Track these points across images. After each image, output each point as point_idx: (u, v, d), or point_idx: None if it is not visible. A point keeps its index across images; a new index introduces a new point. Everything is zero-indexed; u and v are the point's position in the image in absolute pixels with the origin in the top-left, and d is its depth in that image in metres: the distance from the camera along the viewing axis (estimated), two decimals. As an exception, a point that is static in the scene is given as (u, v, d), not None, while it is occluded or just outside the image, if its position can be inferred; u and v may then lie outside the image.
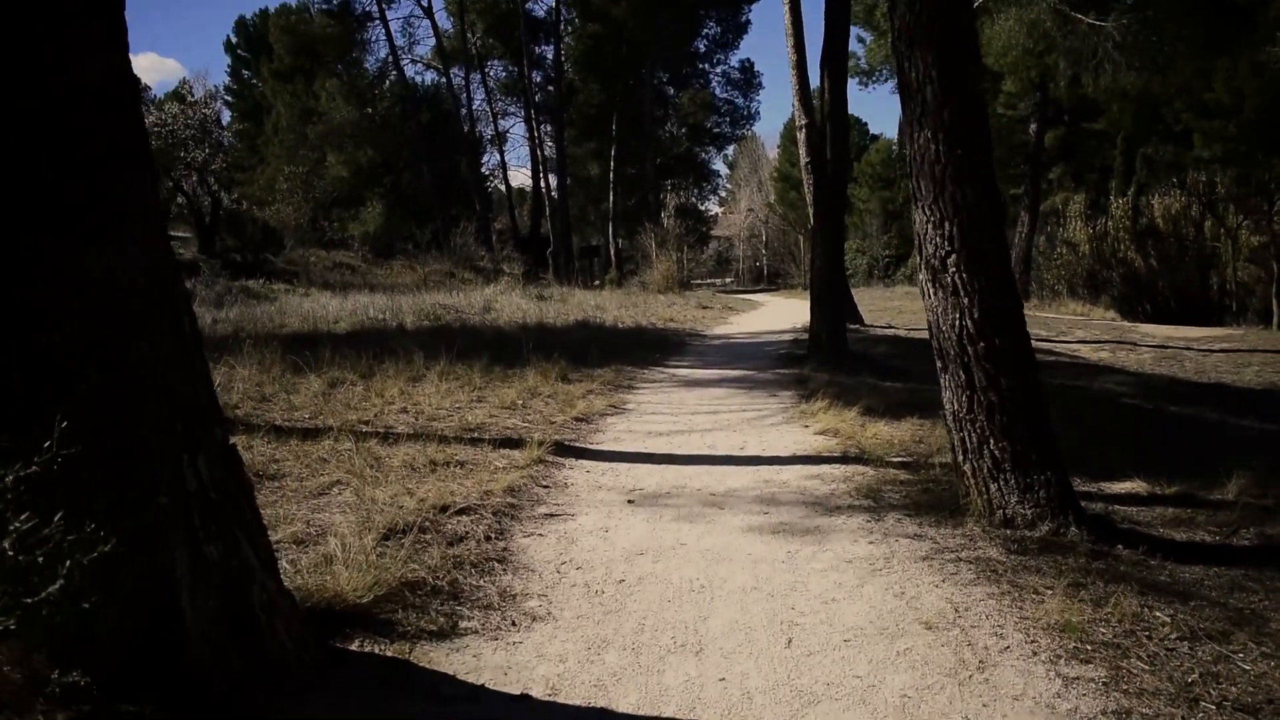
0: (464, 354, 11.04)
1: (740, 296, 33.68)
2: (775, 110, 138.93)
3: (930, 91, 4.75)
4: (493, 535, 4.66)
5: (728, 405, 8.98)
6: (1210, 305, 24.87)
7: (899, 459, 6.40)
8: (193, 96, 31.90)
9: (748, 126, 55.32)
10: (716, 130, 51.03)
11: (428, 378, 9.74)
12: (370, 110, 43.90)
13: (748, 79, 49.42)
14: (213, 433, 2.88)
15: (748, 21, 48.10)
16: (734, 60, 50.21)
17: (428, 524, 4.68)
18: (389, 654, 3.28)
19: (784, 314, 23.09)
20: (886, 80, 30.88)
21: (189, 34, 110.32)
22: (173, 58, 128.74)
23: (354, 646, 3.33)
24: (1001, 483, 4.81)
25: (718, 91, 49.64)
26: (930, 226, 4.85)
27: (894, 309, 22.70)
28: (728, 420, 8.15)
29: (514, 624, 3.61)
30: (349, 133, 43.01)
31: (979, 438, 4.84)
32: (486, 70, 47.27)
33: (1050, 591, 3.87)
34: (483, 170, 49.57)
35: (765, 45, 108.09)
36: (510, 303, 21.54)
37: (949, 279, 4.79)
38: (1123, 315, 23.98)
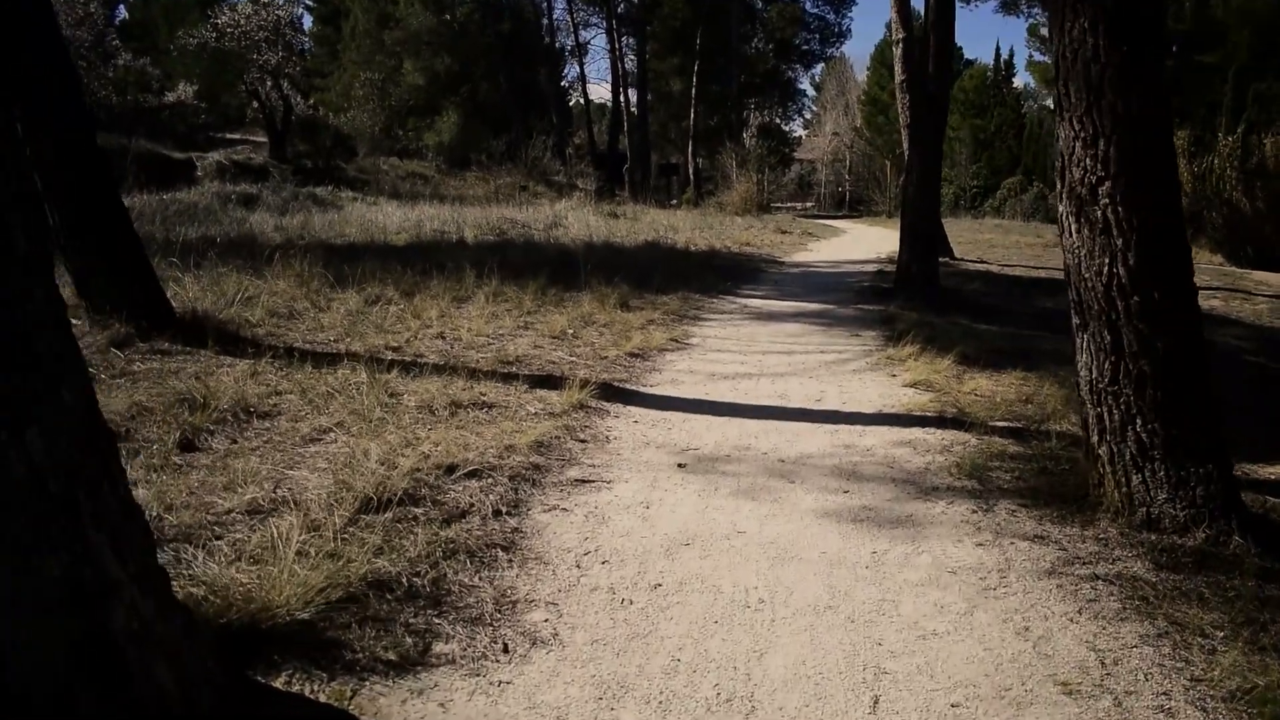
0: (519, 273, 10.21)
1: (821, 222, 32.13)
2: (866, 30, 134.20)
3: (1093, -36, 3.63)
4: (504, 509, 3.77)
5: (804, 344, 7.96)
6: (1321, 252, 23.09)
7: (1005, 424, 5.35)
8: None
9: (838, 44, 53.20)
10: (805, 47, 48.83)
11: (474, 299, 8.92)
12: (448, 16, 42.72)
13: (840, -8, 47.08)
14: (57, 396, 1.99)
15: (845, -69, 45.54)
16: (827, -29, 47.56)
17: (424, 491, 3.80)
18: (324, 696, 2.41)
19: (867, 242, 21.77)
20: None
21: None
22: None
23: (280, 681, 2.46)
24: (1148, 473, 3.78)
25: (808, 5, 47.42)
26: (1079, 145, 3.76)
27: (985, 243, 21.27)
28: (803, 363, 7.15)
29: (506, 650, 2.71)
30: (426, 39, 41.95)
31: (1123, 415, 3.80)
32: (569, -24, 45.61)
33: (1222, 635, 2.89)
34: (562, 83, 48.30)
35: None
36: (580, 219, 20.60)
37: (1099, 213, 3.72)
38: (1228, 260, 22.33)
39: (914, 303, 10.07)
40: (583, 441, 4.83)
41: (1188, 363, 3.74)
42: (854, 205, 49.16)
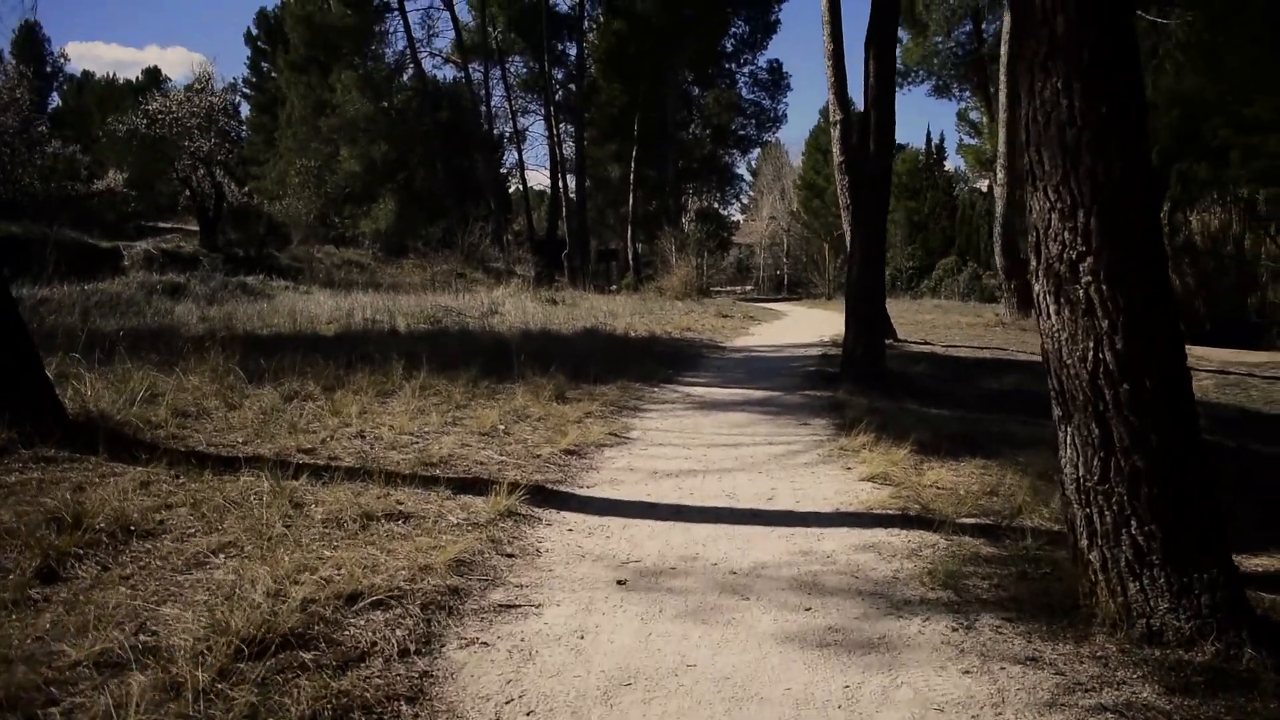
0: (451, 364, 9.71)
1: (761, 305, 32.08)
2: (801, 116, 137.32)
3: (1063, 20, 3.31)
4: (414, 646, 3.19)
5: (751, 435, 7.51)
6: (1248, 327, 23.41)
7: (973, 520, 4.92)
8: (199, 85, 30.50)
9: (774, 129, 53.95)
10: (741, 132, 49.54)
11: (401, 392, 8.37)
12: (386, 104, 42.79)
13: (775, 79, 47.91)
14: None
15: (777, 20, 46.36)
16: (762, 60, 48.65)
17: (318, 628, 3.22)
18: None
19: (809, 325, 21.61)
20: (923, 81, 29.44)
21: (217, 27, 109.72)
22: (201, 52, 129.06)
23: None
24: (1146, 581, 3.37)
25: (744, 93, 48.22)
26: (1055, 216, 3.40)
27: (927, 323, 21.21)
28: (751, 456, 6.69)
29: None
30: (363, 126, 41.87)
31: (1115, 517, 3.39)
32: (507, 66, 45.94)
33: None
34: (501, 170, 48.33)
35: (795, 45, 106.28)
36: (517, 306, 20.25)
37: (1080, 292, 3.35)
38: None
39: (861, 387, 9.71)
40: (510, 556, 4.28)
41: (1186, 456, 3.35)
42: (793, 288, 49.47)
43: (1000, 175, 21.74)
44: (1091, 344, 3.33)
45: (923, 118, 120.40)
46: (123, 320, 14.10)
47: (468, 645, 3.29)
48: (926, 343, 16.26)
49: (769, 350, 15.44)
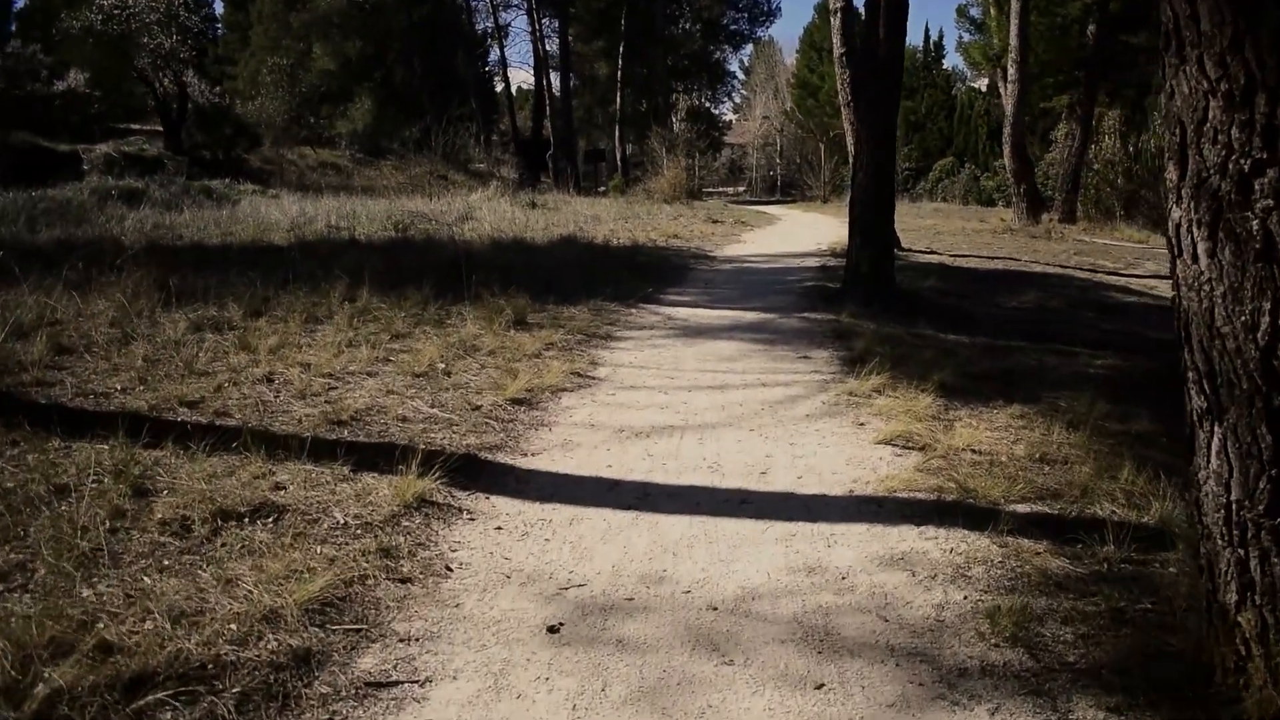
0: (405, 280, 8.53)
1: (754, 209, 30.56)
2: (795, 9, 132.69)
3: None
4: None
5: (741, 374, 6.28)
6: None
7: (1029, 508, 3.75)
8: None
9: (767, 24, 51.97)
10: (733, 27, 47.54)
11: (335, 318, 7.16)
12: (360, -3, 40.47)
13: (770, -32, 45.65)
14: None
15: (772, -97, 44.11)
16: (755, -52, 46.16)
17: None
18: None
19: (804, 231, 20.20)
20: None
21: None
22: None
23: None
24: (1331, 659, 2.21)
25: (737, -18, 45.96)
26: (1216, 104, 2.15)
27: (929, 229, 19.83)
28: (741, 404, 5.48)
29: None
30: (336, 21, 39.61)
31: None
32: (486, -46, 43.44)
33: None
34: (483, 68, 46.14)
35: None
36: (495, 211, 18.86)
37: (1255, 224, 2.12)
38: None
39: (868, 307, 8.51)
40: (404, 582, 3.07)
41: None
42: (786, 190, 47.93)
43: (1011, 70, 20.17)
44: (1269, 305, 2.12)
45: (920, 14, 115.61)
46: (67, 229, 12.84)
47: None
48: (932, 251, 14.97)
49: (762, 260, 14.11)
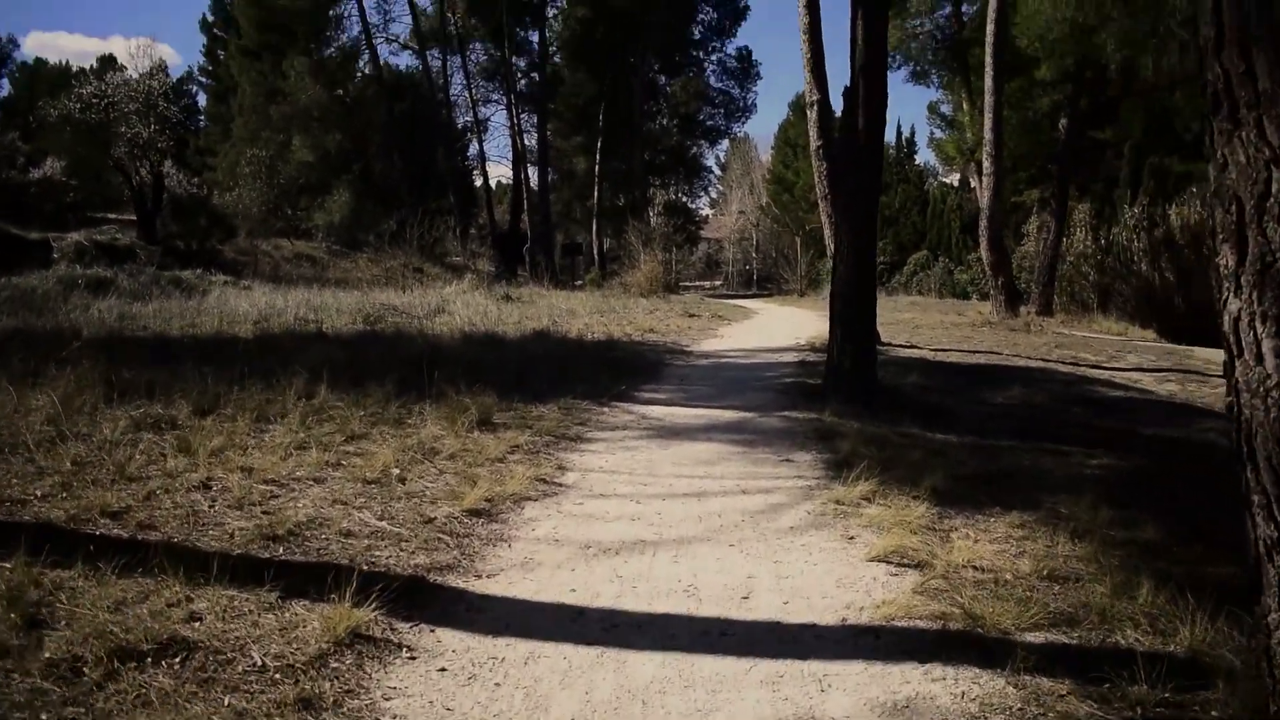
0: (367, 375, 8.13)
1: (730, 303, 30.43)
2: (769, 107, 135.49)
3: None
4: None
5: (720, 479, 5.86)
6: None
7: (1045, 639, 3.33)
8: (135, 69, 28.70)
9: (743, 119, 52.77)
10: (710, 123, 48.06)
11: (287, 417, 6.72)
12: (340, 92, 40.88)
13: (745, 68, 46.49)
14: None
15: (746, 7, 44.94)
16: (730, 48, 46.71)
17: None
18: None
19: (781, 325, 19.95)
20: (900, 66, 27.94)
21: (184, 16, 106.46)
22: (168, 43, 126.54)
23: None
24: None
25: (713, 81, 46.80)
26: (1281, 174, 1.82)
27: (908, 323, 19.61)
28: (720, 515, 5.05)
29: None
30: (316, 115, 39.84)
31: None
32: (467, 53, 43.83)
33: None
34: (462, 161, 46.44)
35: (765, 32, 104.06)
36: (469, 304, 18.57)
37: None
38: (1156, 333, 21.44)
39: (851, 405, 8.13)
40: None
41: None
42: (763, 284, 48.20)
43: (986, 163, 20.18)
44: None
45: (891, 111, 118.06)
46: (25, 319, 12.44)
47: None
48: (913, 345, 14.69)
49: (740, 355, 13.77)
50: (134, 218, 27.98)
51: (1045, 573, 4.05)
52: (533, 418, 7.40)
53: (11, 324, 11.79)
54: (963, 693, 2.93)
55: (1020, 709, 2.82)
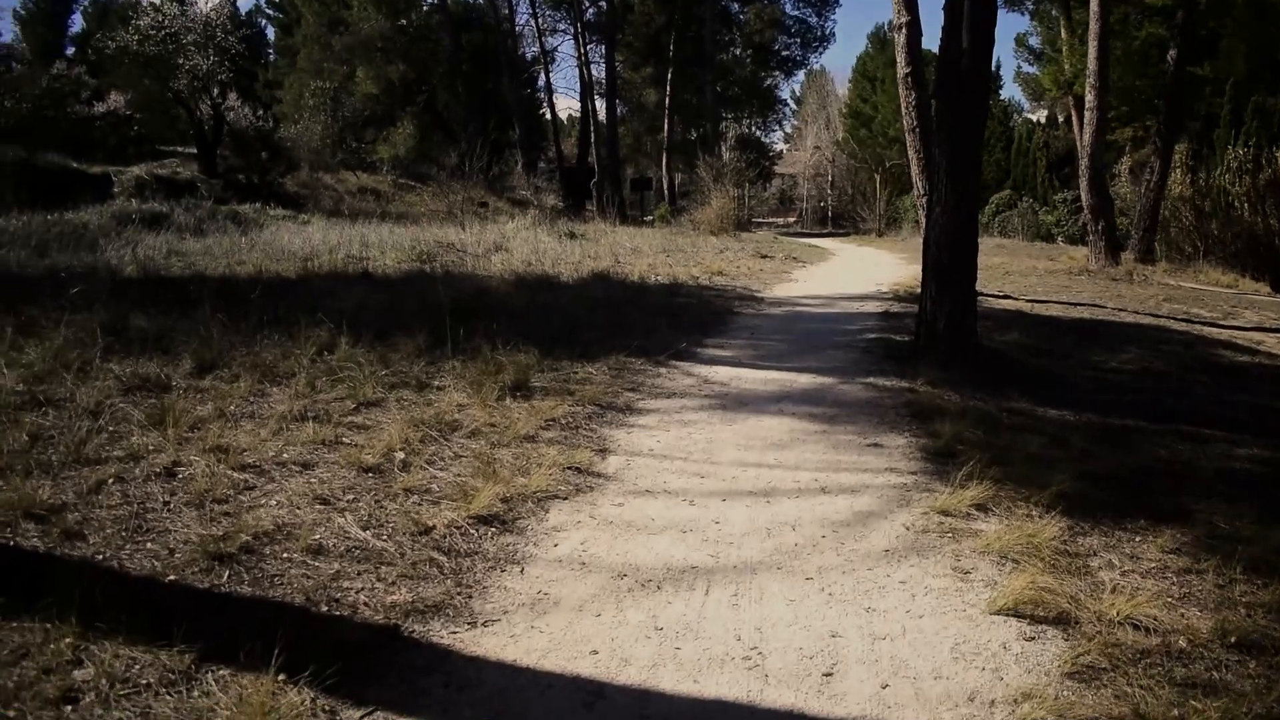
0: (401, 324, 7.29)
1: (805, 242, 29.06)
2: (846, 40, 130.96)
3: None
4: None
5: (794, 469, 4.82)
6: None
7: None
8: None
9: (820, 49, 50.80)
10: (785, 53, 46.05)
11: (296, 378, 5.85)
12: (404, 21, 39.70)
13: (823, -9, 44.37)
14: None
15: (826, -76, 42.92)
16: (808, -31, 44.86)
17: None
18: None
19: (860, 269, 18.64)
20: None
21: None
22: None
23: None
24: None
25: (788, 8, 44.67)
26: None
27: (998, 268, 18.11)
28: (794, 525, 3.99)
29: None
30: (379, 45, 38.97)
31: None
32: (533, -21, 42.49)
33: None
34: (530, 95, 45.19)
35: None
36: (528, 241, 17.57)
37: None
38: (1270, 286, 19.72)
39: (947, 372, 7.02)
40: None
41: None
42: (838, 222, 46.47)
43: (1089, 96, 18.50)
44: None
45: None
46: (76, 256, 11.83)
47: None
48: (1007, 296, 13.35)
49: (817, 304, 12.57)
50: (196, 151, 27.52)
51: (1230, 637, 2.98)
52: (576, 381, 6.42)
53: (60, 261, 11.14)
54: None
55: None
